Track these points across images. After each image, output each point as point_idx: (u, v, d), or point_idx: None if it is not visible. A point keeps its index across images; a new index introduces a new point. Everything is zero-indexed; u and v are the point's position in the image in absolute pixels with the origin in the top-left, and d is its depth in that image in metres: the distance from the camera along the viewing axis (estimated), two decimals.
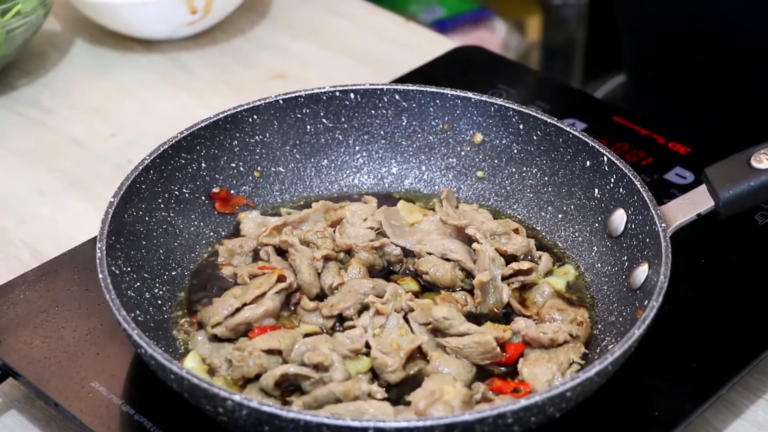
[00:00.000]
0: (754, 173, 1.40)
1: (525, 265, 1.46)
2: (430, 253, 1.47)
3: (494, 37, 3.36)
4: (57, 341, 1.42)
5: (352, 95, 1.61)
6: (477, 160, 1.63)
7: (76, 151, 1.88)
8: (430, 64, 1.95)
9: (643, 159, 1.71)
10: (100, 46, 2.11)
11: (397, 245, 1.49)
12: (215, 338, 1.40)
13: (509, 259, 1.48)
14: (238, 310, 1.39)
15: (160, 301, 1.44)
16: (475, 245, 1.46)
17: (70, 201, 1.77)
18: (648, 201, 1.42)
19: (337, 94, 1.61)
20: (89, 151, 1.88)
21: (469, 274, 1.46)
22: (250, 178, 1.60)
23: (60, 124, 1.93)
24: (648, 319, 1.28)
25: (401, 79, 1.89)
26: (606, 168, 1.50)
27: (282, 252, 1.49)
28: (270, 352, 1.34)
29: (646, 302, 1.33)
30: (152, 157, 1.48)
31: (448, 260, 1.46)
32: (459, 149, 1.63)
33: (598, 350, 1.39)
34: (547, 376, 1.34)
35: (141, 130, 1.92)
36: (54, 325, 1.44)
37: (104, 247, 1.36)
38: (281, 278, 1.42)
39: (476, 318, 1.42)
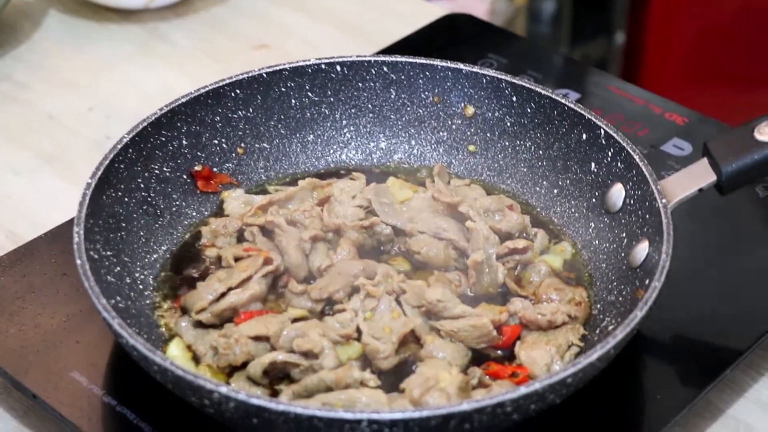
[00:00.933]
0: (758, 146, 1.35)
1: (521, 243, 1.42)
2: (422, 232, 1.42)
3: (481, 1, 3.31)
4: (34, 329, 1.37)
5: (338, 67, 1.56)
6: (469, 133, 1.57)
7: (51, 127, 1.82)
8: (417, 33, 1.90)
9: (639, 130, 1.67)
10: (75, 17, 2.05)
11: (387, 224, 1.44)
12: (200, 324, 1.35)
13: (504, 237, 1.43)
14: (223, 294, 1.34)
15: (141, 286, 1.39)
16: (468, 223, 1.41)
17: (45, 180, 1.72)
18: (648, 175, 1.37)
19: (323, 66, 1.56)
20: (65, 127, 1.82)
21: (463, 254, 1.41)
22: (234, 155, 1.55)
23: (34, 99, 1.88)
24: (650, 300, 1.23)
25: (388, 50, 1.83)
26: (603, 141, 1.45)
27: (268, 232, 1.44)
28: (257, 338, 1.29)
29: (647, 281, 1.28)
30: (131, 135, 1.43)
31: (441, 239, 1.41)
32: (450, 123, 1.58)
33: (597, 331, 1.34)
34: (545, 360, 1.30)
35: (119, 104, 1.86)
36: (31, 312, 1.39)
37: (82, 232, 1.31)
38: (268, 261, 1.37)
39: (471, 299, 1.37)
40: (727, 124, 1.67)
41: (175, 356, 1.31)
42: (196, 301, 1.34)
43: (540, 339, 1.32)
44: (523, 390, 1.15)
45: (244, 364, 1.29)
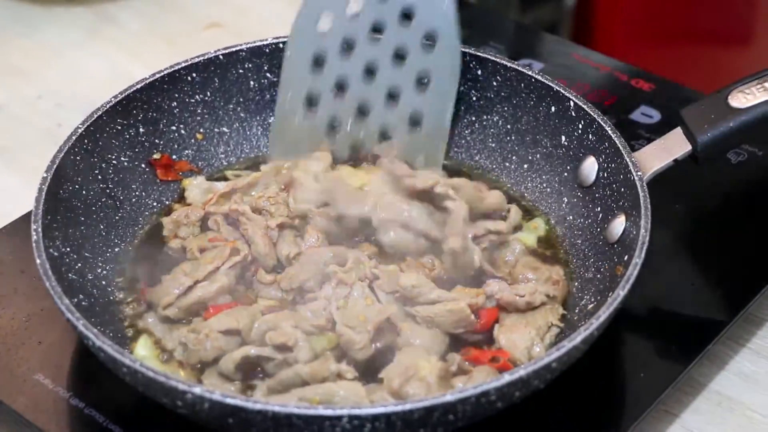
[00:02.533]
0: (733, 113, 1.33)
1: (500, 225, 1.38)
2: (389, 221, 1.37)
3: None
4: None
5: None
6: None
7: (0, 118, 1.77)
8: None
9: (605, 99, 1.64)
10: (19, 2, 2.00)
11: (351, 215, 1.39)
12: (167, 319, 1.31)
13: (478, 216, 1.39)
14: (190, 288, 1.30)
15: (104, 282, 1.35)
16: (448, 203, 1.36)
17: None
18: (621, 148, 1.34)
19: (280, 45, 1.51)
20: (14, 116, 1.78)
21: (435, 241, 1.37)
22: (193, 141, 1.51)
23: None
24: (632, 278, 1.21)
25: None
26: (573, 113, 1.42)
27: (233, 221, 1.40)
28: (228, 332, 1.26)
29: (626, 257, 1.26)
30: (85, 125, 1.39)
31: (410, 229, 1.36)
32: None
33: (576, 310, 1.32)
34: (525, 343, 1.27)
35: (69, 90, 1.82)
36: None
37: (40, 229, 1.26)
38: (234, 251, 1.33)
39: (445, 282, 1.33)
40: (693, 89, 1.64)
41: (143, 356, 1.27)
42: (162, 296, 1.30)
43: (519, 321, 1.29)
44: (507, 377, 1.12)
45: (216, 360, 1.25)
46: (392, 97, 1.46)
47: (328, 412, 1.09)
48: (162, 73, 1.47)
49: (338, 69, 1.46)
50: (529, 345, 1.27)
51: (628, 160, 1.32)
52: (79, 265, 1.33)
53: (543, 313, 1.30)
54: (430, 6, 1.42)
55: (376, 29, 1.45)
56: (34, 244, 1.25)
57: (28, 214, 1.34)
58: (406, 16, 1.44)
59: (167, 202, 1.47)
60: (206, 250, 1.35)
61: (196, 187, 1.47)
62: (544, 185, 1.46)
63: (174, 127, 1.50)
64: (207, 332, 1.25)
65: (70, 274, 1.30)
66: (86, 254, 1.35)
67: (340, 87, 1.47)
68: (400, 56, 1.45)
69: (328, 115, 1.47)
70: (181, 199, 1.47)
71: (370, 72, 1.46)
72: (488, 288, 1.31)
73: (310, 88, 1.47)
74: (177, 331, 1.29)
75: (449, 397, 1.10)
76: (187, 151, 1.51)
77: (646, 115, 1.62)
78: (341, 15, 1.45)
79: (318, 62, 1.46)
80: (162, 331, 1.30)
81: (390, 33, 1.44)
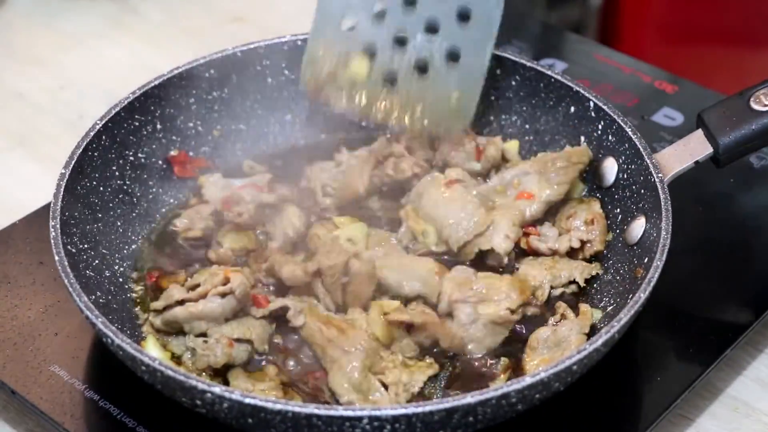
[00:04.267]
0: (755, 116, 1.32)
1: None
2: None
3: None
4: (11, 321, 1.33)
5: None
6: None
7: (22, 107, 1.78)
8: None
9: (628, 100, 1.63)
10: None
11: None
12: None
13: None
14: (178, 303, 1.28)
15: (121, 279, 1.35)
16: None
17: (16, 163, 1.68)
18: (642, 149, 1.34)
19: (298, 43, 1.51)
20: (35, 106, 1.78)
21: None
22: (210, 137, 1.51)
23: (2, 78, 1.83)
24: (653, 280, 1.20)
25: None
26: (593, 114, 1.42)
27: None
28: (239, 341, 1.25)
29: (646, 260, 1.26)
30: (103, 122, 1.39)
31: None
32: None
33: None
34: (537, 281, 1.32)
35: (91, 81, 1.82)
36: (7, 303, 1.35)
37: (58, 225, 1.27)
38: (226, 280, 1.29)
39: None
40: (716, 91, 1.63)
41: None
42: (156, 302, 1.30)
43: (545, 262, 1.33)
44: (528, 380, 1.12)
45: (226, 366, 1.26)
46: (431, 29, 1.40)
47: (348, 412, 1.09)
48: (180, 70, 1.47)
49: None
50: (537, 285, 1.31)
51: (648, 161, 1.32)
52: (97, 261, 1.33)
53: (571, 266, 1.33)
54: None
55: None
56: (52, 241, 1.25)
57: (47, 205, 1.34)
58: None
59: (184, 199, 1.47)
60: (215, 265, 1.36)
61: (212, 184, 1.45)
62: None
63: (191, 124, 1.50)
64: (218, 337, 1.25)
65: (87, 271, 1.30)
66: (103, 251, 1.35)
67: (379, 15, 1.42)
68: None
69: (364, 41, 1.42)
70: (198, 197, 1.46)
71: (410, 2, 1.41)
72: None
73: (345, 12, 1.42)
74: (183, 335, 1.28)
75: (470, 399, 1.10)
76: (204, 148, 1.51)
77: (668, 117, 1.61)
78: None
79: None
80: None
81: None
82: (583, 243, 1.36)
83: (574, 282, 1.33)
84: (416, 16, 1.40)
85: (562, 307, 1.30)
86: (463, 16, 1.39)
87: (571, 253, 1.36)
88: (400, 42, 1.41)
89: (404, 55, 1.41)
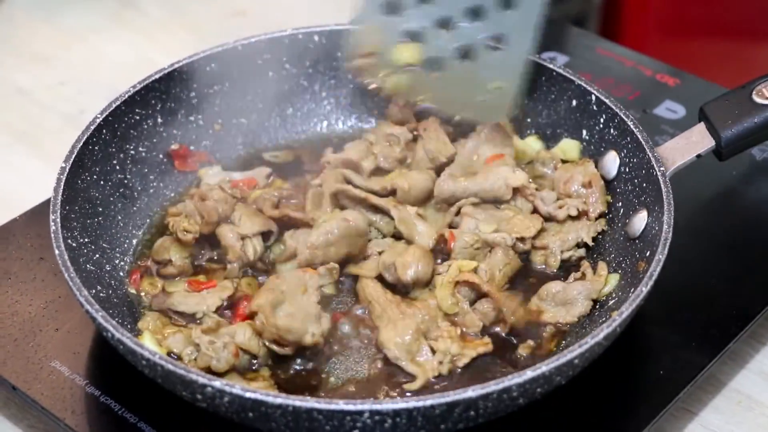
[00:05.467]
0: (757, 109, 1.32)
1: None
2: None
3: None
4: (11, 317, 1.33)
5: (315, 37, 1.52)
6: None
7: (22, 103, 1.78)
8: None
9: (630, 94, 1.63)
10: None
11: None
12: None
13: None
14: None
15: (121, 273, 1.35)
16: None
17: (17, 158, 1.67)
18: (643, 142, 1.34)
19: (300, 36, 1.51)
20: (36, 101, 1.78)
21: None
22: (211, 131, 1.51)
23: (3, 74, 1.83)
24: (655, 274, 1.20)
25: None
26: (594, 107, 1.42)
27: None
28: (246, 351, 1.25)
29: (648, 253, 1.26)
30: (104, 115, 1.39)
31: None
32: None
33: (598, 306, 1.31)
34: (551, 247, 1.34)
35: (92, 77, 1.82)
36: (7, 299, 1.35)
37: (58, 219, 1.26)
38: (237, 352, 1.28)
39: None
40: (718, 84, 1.62)
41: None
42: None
43: (553, 228, 1.35)
44: (530, 374, 1.11)
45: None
46: (475, 14, 1.38)
47: (349, 406, 1.09)
48: (180, 63, 1.46)
49: None
50: (548, 253, 1.33)
51: (650, 154, 1.31)
52: (97, 255, 1.33)
53: (577, 227, 1.35)
54: None
55: None
56: (52, 235, 1.25)
57: (47, 201, 1.34)
58: None
59: (184, 193, 1.46)
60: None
61: (212, 177, 1.46)
62: None
63: (192, 118, 1.49)
64: (227, 342, 1.23)
65: (88, 265, 1.30)
66: (104, 245, 1.35)
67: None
68: None
69: (409, 27, 1.40)
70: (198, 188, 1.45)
71: None
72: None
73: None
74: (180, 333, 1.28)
75: (471, 393, 1.10)
76: (205, 142, 1.50)
77: (670, 110, 1.60)
78: None
79: None
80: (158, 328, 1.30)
81: None
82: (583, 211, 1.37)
83: (584, 245, 1.35)
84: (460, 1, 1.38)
85: (585, 265, 1.33)
86: (507, 3, 1.37)
87: (576, 218, 1.37)
88: (443, 26, 1.39)
89: (448, 40, 1.39)
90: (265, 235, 1.36)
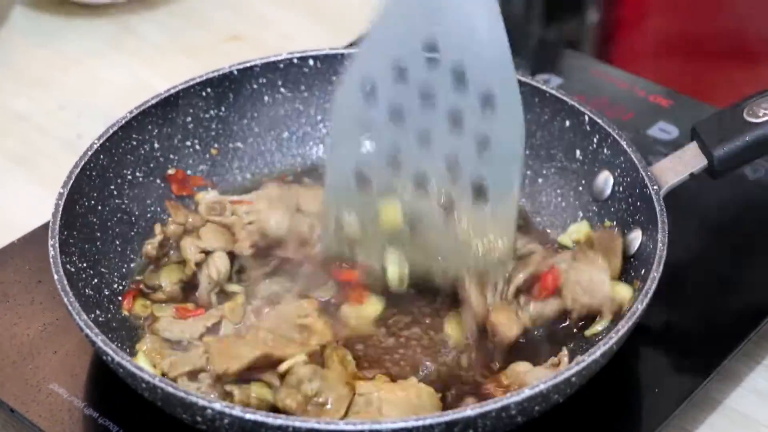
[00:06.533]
0: (750, 127, 1.32)
1: None
2: None
3: None
4: (9, 340, 1.33)
5: (311, 62, 1.52)
6: None
7: (21, 128, 1.77)
8: None
9: (623, 114, 1.64)
10: (41, 12, 2.00)
11: None
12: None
13: None
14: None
15: (119, 297, 1.36)
16: None
17: (15, 183, 1.67)
18: (636, 162, 1.34)
19: (295, 61, 1.52)
20: (35, 126, 1.78)
21: None
22: (207, 156, 1.52)
23: (1, 99, 1.83)
24: (650, 292, 1.21)
25: None
26: (587, 128, 1.42)
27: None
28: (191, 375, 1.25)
29: (642, 272, 1.27)
30: (101, 141, 1.39)
31: None
32: None
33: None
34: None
35: (90, 101, 1.82)
36: (6, 321, 1.35)
37: (57, 245, 1.27)
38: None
39: None
40: (712, 105, 1.63)
41: None
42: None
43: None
44: (528, 392, 1.12)
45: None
46: (450, 167, 1.29)
47: (349, 426, 1.10)
48: (176, 88, 1.47)
49: (389, 137, 1.30)
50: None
51: (643, 174, 1.32)
52: (96, 280, 1.33)
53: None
54: (484, 66, 1.27)
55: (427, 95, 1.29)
56: (51, 260, 1.25)
57: (45, 225, 1.34)
58: (459, 78, 1.27)
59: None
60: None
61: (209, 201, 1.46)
62: (559, 199, 1.46)
63: (188, 143, 1.50)
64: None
65: (87, 290, 1.31)
66: (102, 269, 1.35)
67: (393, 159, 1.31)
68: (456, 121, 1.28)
69: (382, 185, 1.32)
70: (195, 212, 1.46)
71: (424, 140, 1.30)
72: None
73: (358, 161, 1.32)
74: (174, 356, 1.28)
75: (469, 412, 1.10)
76: (201, 167, 1.51)
77: (663, 131, 1.61)
78: (387, 82, 1.29)
79: (364, 126, 1.31)
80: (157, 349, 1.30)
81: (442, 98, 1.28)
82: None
83: None
84: (433, 154, 1.29)
85: (563, 354, 1.28)
86: (483, 144, 1.28)
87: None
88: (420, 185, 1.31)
89: (427, 197, 1.30)
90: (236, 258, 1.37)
